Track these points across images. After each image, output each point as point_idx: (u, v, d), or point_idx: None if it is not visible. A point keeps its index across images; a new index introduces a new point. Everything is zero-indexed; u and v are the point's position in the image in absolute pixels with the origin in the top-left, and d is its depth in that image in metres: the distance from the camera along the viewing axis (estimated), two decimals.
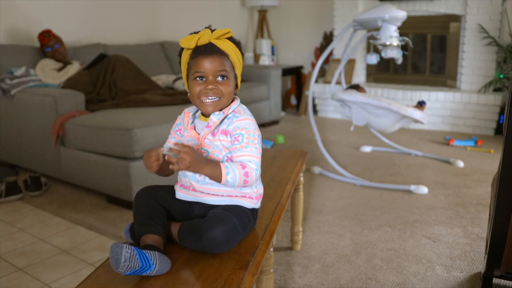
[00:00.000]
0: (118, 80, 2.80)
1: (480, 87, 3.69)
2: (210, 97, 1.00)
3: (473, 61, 3.74)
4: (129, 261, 0.82)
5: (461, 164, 2.81)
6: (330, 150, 3.18)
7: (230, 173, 0.96)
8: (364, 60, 2.70)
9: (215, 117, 1.00)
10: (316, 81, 4.55)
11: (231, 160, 1.00)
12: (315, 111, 4.63)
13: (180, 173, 1.07)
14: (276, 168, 1.56)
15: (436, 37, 4.06)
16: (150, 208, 0.99)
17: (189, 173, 1.03)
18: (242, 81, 3.85)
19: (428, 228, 1.95)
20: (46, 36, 2.94)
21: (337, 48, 4.36)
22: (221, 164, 0.97)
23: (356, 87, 2.77)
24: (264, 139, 3.37)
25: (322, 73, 4.69)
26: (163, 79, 3.39)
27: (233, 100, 1.05)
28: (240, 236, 0.98)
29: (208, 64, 0.98)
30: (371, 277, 1.58)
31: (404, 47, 2.77)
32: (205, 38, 0.98)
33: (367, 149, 3.21)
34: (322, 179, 2.62)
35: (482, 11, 3.61)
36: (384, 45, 2.44)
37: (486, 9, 3.59)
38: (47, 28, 3.01)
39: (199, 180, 1.03)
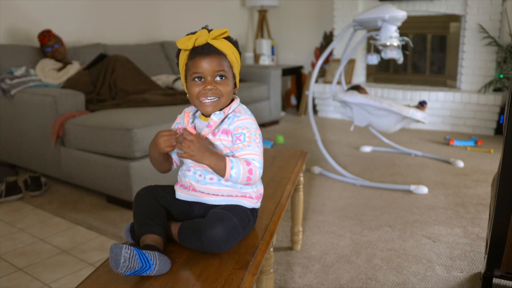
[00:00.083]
0: (118, 80, 2.80)
1: (480, 87, 3.69)
2: (209, 98, 1.00)
3: (473, 61, 3.74)
4: (129, 262, 0.82)
5: (461, 164, 2.81)
6: (330, 150, 3.18)
7: (234, 167, 0.96)
8: (365, 60, 2.69)
9: (215, 117, 1.00)
10: (316, 81, 4.55)
11: None
12: (315, 111, 4.63)
13: (180, 173, 1.07)
14: (276, 168, 1.56)
15: (436, 37, 4.06)
16: (150, 208, 0.99)
17: (189, 173, 1.03)
18: (242, 81, 3.87)
19: (428, 228, 1.95)
20: (46, 36, 2.94)
21: (337, 48, 4.36)
22: (227, 158, 0.97)
23: (357, 88, 2.76)
24: (264, 139, 3.37)
25: (322, 73, 4.69)
26: (163, 79, 3.39)
27: (233, 100, 1.05)
28: (240, 236, 0.98)
29: (206, 65, 0.98)
30: (371, 277, 1.58)
31: (405, 47, 2.76)
32: (202, 38, 0.98)
33: (367, 149, 3.21)
34: (322, 179, 2.62)
35: (482, 11, 3.61)
36: (384, 46, 2.44)
37: (486, 9, 3.59)
38: (47, 28, 3.01)
39: (199, 180, 1.03)
